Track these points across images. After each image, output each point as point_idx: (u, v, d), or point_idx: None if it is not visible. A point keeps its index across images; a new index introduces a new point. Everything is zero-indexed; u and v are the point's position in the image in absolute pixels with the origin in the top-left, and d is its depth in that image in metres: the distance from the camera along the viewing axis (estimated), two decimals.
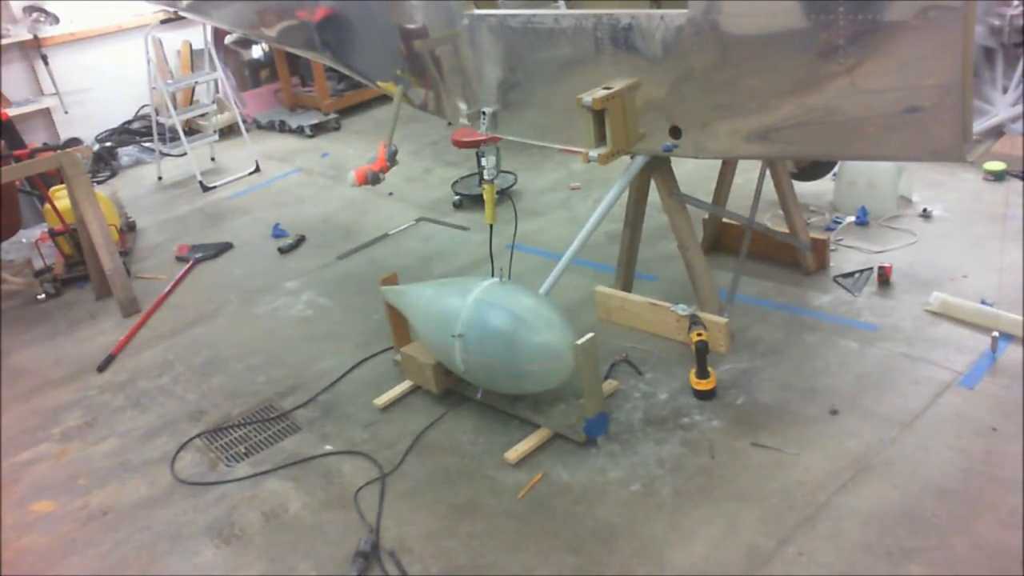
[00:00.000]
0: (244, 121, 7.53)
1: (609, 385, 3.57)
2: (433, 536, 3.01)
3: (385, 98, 5.06)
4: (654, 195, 3.81)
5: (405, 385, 3.79)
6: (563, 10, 3.92)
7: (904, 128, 2.68)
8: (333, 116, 7.99)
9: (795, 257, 4.30)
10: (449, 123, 4.24)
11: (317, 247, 5.50)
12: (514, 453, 3.28)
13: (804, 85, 2.81)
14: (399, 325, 3.85)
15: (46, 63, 7.47)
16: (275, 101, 8.54)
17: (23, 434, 3.95)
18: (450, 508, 3.13)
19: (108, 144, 7.78)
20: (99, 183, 7.16)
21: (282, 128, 8.09)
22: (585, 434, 3.25)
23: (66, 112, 7.64)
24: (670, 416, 3.42)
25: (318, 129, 7.89)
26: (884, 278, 4.11)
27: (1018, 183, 4.90)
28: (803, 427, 3.27)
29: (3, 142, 5.74)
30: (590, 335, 3.16)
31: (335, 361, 4.13)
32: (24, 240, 6.13)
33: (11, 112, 7.10)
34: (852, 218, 4.74)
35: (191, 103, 8.04)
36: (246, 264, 5.44)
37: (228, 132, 7.85)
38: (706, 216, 4.53)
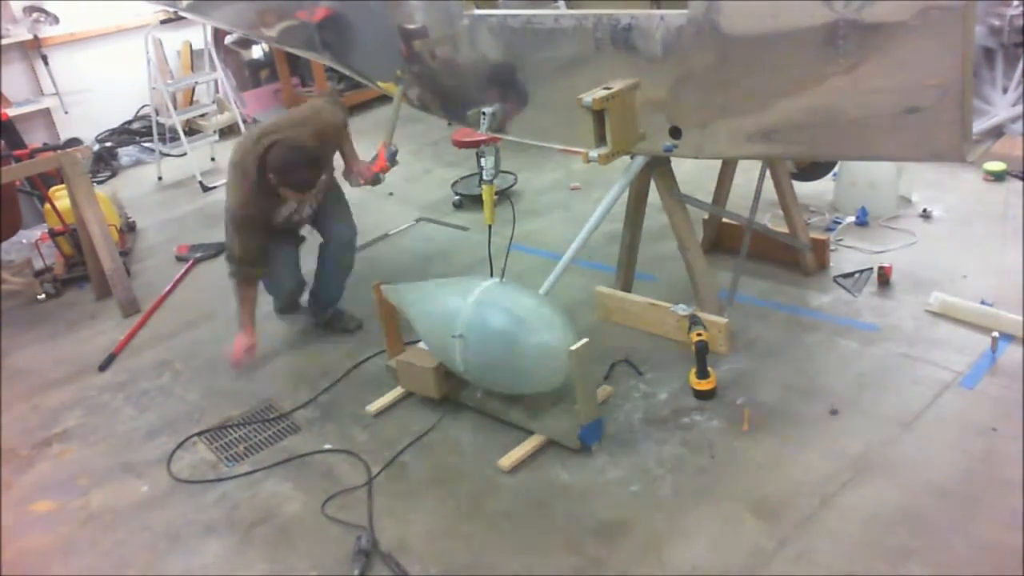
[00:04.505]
0: (244, 121, 7.53)
1: (603, 391, 3.55)
2: (433, 536, 3.01)
3: (385, 98, 5.06)
4: (654, 195, 3.81)
5: (397, 392, 3.78)
6: (563, 10, 3.93)
7: (904, 128, 2.68)
8: None
9: (795, 257, 4.30)
10: (449, 123, 4.24)
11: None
12: (508, 460, 3.27)
13: (804, 85, 2.81)
14: (392, 330, 3.84)
15: (46, 63, 7.47)
16: (275, 101, 8.54)
17: (23, 434, 3.95)
18: (450, 508, 3.13)
19: (108, 144, 7.77)
20: (99, 183, 7.16)
21: None
22: (580, 441, 3.25)
23: (66, 112, 7.63)
24: (670, 416, 3.42)
25: None
26: (884, 278, 4.11)
27: (1018, 183, 4.90)
28: (803, 427, 3.27)
29: (3, 142, 5.74)
30: (584, 340, 3.15)
31: (335, 361, 4.13)
32: (24, 240, 6.13)
33: (11, 112, 7.09)
34: (852, 218, 4.74)
35: (191, 103, 8.03)
36: None
37: (228, 132, 7.85)
38: (706, 216, 4.53)
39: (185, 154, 7.05)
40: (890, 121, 2.69)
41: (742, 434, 3.27)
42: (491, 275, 3.65)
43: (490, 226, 3.83)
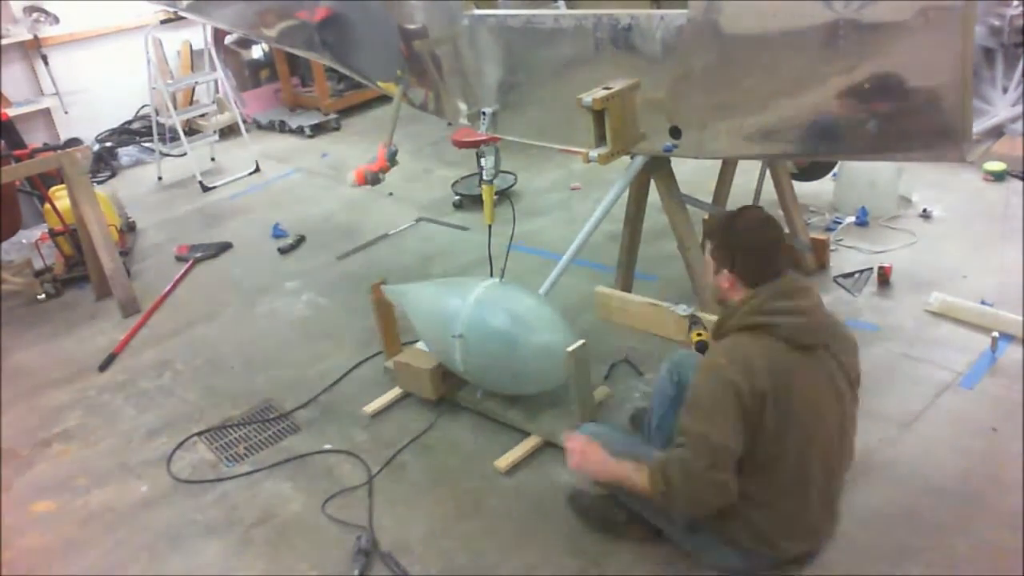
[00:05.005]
0: (244, 121, 7.53)
1: (601, 392, 3.55)
2: (433, 536, 3.01)
3: (385, 98, 5.06)
4: (654, 195, 3.81)
5: (395, 392, 3.78)
6: (563, 10, 3.92)
7: (904, 128, 2.68)
8: (333, 116, 7.99)
9: (795, 257, 4.30)
10: (449, 123, 4.24)
11: (317, 247, 5.50)
12: (504, 461, 3.27)
13: (804, 85, 2.80)
14: (389, 331, 3.83)
15: (46, 63, 7.46)
16: (275, 101, 8.54)
17: (23, 434, 3.95)
18: (450, 508, 3.13)
19: (108, 144, 7.77)
20: (99, 183, 7.15)
21: (282, 128, 8.08)
22: None
23: (66, 112, 7.63)
24: None
25: (318, 129, 7.88)
26: (884, 278, 4.11)
27: (1018, 183, 4.90)
28: None
29: (3, 142, 5.74)
30: (581, 342, 3.15)
31: (335, 361, 4.13)
32: (24, 240, 6.13)
33: (11, 112, 7.09)
34: (852, 218, 4.74)
35: (191, 103, 8.03)
36: (246, 264, 5.43)
37: (228, 132, 7.85)
38: (706, 216, 4.52)
39: (185, 154, 7.05)
40: (890, 121, 2.69)
41: None
42: (491, 275, 3.65)
43: (490, 226, 3.83)
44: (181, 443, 3.70)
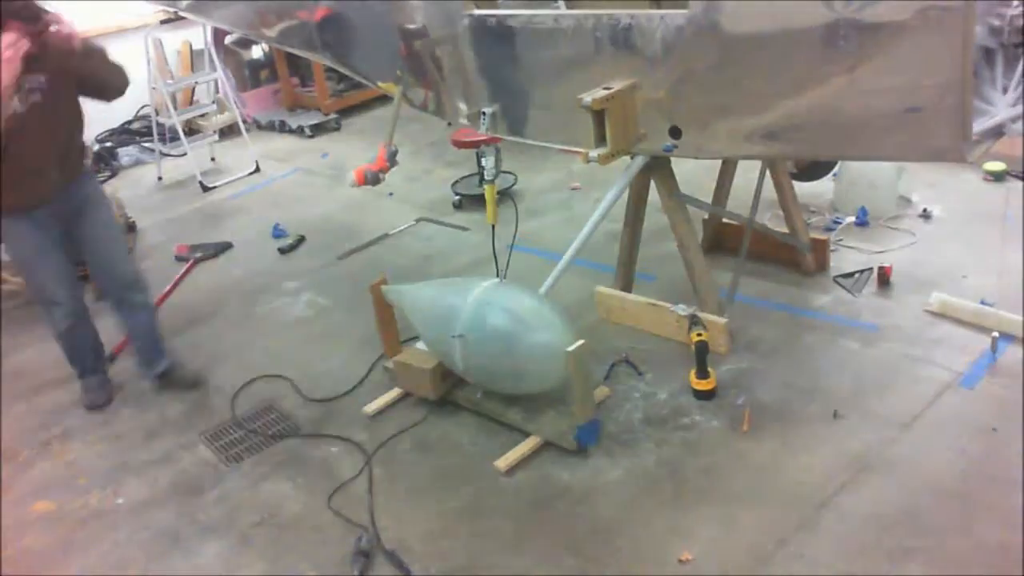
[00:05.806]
0: (244, 121, 7.52)
1: (600, 392, 3.55)
2: (433, 536, 3.01)
3: (385, 98, 5.07)
4: (654, 195, 3.81)
5: (395, 392, 3.78)
6: (563, 10, 3.92)
7: (904, 128, 2.68)
8: (333, 116, 7.98)
9: (795, 257, 4.30)
10: (449, 123, 4.24)
11: (317, 247, 5.50)
12: (504, 461, 3.27)
13: (804, 85, 2.81)
14: (389, 331, 3.83)
15: None
16: (275, 101, 8.53)
17: (23, 434, 3.95)
18: (450, 508, 3.13)
19: (108, 144, 7.77)
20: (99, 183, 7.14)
21: (282, 128, 8.08)
22: (576, 442, 3.25)
23: None
24: (670, 416, 3.42)
25: (318, 129, 7.88)
26: (884, 278, 4.11)
27: (1018, 183, 4.90)
28: (803, 427, 3.27)
29: None
30: (580, 342, 3.15)
31: (335, 361, 4.13)
32: None
33: None
34: (852, 218, 4.74)
35: (191, 103, 8.03)
36: (246, 264, 5.43)
37: (228, 132, 7.84)
38: (706, 216, 4.53)
39: (185, 154, 7.05)
40: (890, 121, 2.69)
41: (742, 434, 3.27)
42: (496, 275, 3.65)
43: (493, 226, 3.83)
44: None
